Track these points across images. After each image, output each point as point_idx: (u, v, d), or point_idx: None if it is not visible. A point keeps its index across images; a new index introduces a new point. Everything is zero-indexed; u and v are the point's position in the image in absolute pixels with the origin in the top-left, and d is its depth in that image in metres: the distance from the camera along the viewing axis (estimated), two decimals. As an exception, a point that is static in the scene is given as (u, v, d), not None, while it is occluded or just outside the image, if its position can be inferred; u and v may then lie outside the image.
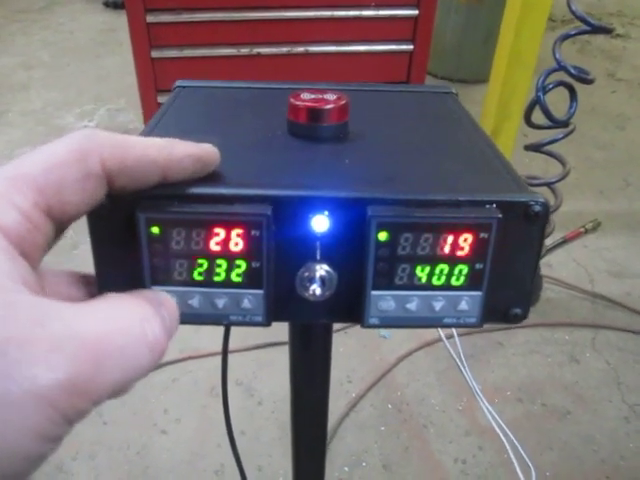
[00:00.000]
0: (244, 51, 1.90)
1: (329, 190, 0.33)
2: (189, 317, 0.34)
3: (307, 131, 0.41)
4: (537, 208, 0.33)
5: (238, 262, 0.33)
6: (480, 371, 1.77)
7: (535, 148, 1.65)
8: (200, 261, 0.33)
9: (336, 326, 1.73)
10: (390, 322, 0.35)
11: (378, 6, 1.86)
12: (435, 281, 0.34)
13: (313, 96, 0.41)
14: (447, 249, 0.33)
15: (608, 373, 1.79)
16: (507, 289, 0.36)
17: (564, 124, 1.59)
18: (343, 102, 0.40)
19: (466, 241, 0.32)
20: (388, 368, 1.75)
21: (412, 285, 0.34)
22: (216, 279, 0.33)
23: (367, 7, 1.86)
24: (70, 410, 0.23)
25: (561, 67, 1.49)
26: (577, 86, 1.61)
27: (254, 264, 0.33)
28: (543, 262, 2.10)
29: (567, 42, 1.60)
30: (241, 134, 0.43)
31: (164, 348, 0.28)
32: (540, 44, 1.85)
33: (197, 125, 0.45)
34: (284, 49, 1.91)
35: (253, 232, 0.32)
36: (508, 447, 1.55)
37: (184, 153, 0.31)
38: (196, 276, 0.33)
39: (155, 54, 1.90)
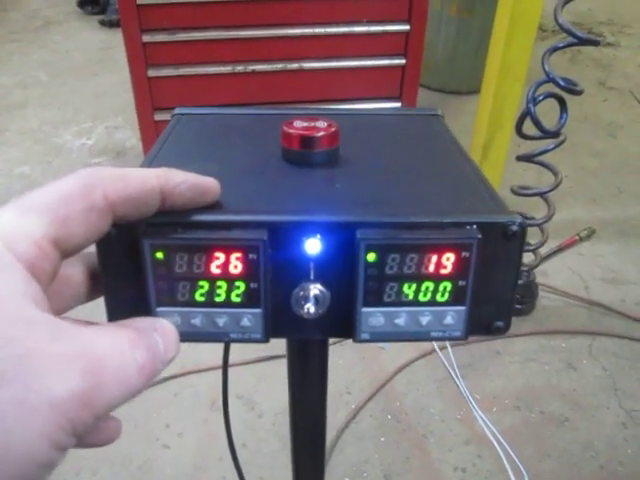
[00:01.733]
0: (239, 69, 1.93)
1: (321, 215, 0.35)
2: (192, 335, 0.37)
3: (300, 157, 0.43)
4: (514, 228, 0.36)
5: (237, 283, 0.35)
6: (478, 380, 1.79)
7: (527, 158, 1.68)
8: (202, 283, 0.35)
9: (333, 339, 1.74)
10: (380, 337, 0.37)
11: (370, 22, 1.89)
12: (421, 297, 0.36)
13: (305, 124, 0.43)
14: (432, 268, 0.35)
15: (605, 380, 1.80)
16: (489, 304, 0.38)
17: (555, 134, 1.62)
18: (334, 129, 0.43)
19: (449, 260, 0.35)
20: (387, 378, 1.77)
21: (400, 302, 0.36)
22: (217, 300, 0.36)
23: (359, 23, 1.89)
24: (78, 421, 0.25)
25: (550, 79, 1.52)
26: (568, 95, 1.64)
27: (252, 285, 0.35)
28: (538, 270, 2.12)
29: (558, 52, 1.63)
30: (238, 161, 0.45)
31: (152, 371, 0.30)
32: (530, 55, 1.89)
33: (196, 153, 0.48)
34: (278, 66, 1.94)
35: (251, 256, 0.34)
36: (502, 455, 1.57)
37: (181, 179, 0.34)
38: (198, 297, 0.36)
39: (151, 73, 1.93)
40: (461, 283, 0.36)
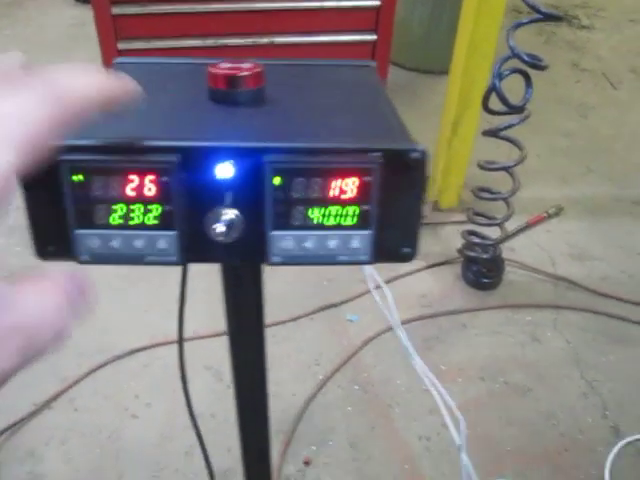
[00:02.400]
0: (209, 42, 1.93)
1: (230, 141, 0.37)
2: (110, 257, 0.38)
3: (224, 96, 0.45)
4: (415, 155, 0.38)
5: (152, 206, 0.37)
6: (444, 352, 1.82)
7: (493, 133, 1.70)
8: (118, 206, 0.36)
9: (300, 312, 1.76)
10: (291, 260, 0.39)
11: (340, -3, 1.90)
12: (328, 221, 0.38)
13: (230, 65, 0.44)
14: (336, 192, 0.37)
15: (568, 352, 1.85)
16: (396, 230, 0.40)
17: (520, 109, 1.64)
18: (258, 70, 0.44)
19: (353, 185, 0.37)
20: (355, 351, 1.79)
21: (307, 225, 0.38)
22: (133, 222, 0.37)
23: (329, -2, 1.90)
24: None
25: (514, 54, 1.54)
26: (542, 76, 1.66)
27: (166, 207, 0.37)
28: (506, 246, 2.15)
29: (533, 34, 1.65)
30: (166, 101, 0.47)
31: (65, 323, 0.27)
32: (498, 33, 1.90)
33: None
34: (249, 40, 1.94)
35: (164, 178, 0.36)
36: (466, 424, 1.60)
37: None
38: (115, 220, 0.37)
39: (122, 46, 1.92)
40: (365, 207, 0.38)
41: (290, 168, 0.36)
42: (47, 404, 1.62)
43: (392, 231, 0.40)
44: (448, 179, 2.26)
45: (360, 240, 0.39)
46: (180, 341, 0.67)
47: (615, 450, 1.56)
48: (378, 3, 1.92)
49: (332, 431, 1.59)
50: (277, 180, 0.37)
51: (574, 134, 2.98)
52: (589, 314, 1.97)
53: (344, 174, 0.37)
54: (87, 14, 4.10)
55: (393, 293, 1.96)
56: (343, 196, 0.37)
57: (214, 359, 1.73)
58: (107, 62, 1.93)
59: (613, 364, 1.81)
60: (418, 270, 2.08)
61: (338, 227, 0.38)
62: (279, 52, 1.99)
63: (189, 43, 1.92)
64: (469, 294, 2.01)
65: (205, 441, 0.85)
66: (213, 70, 0.44)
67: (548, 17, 1.51)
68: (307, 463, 1.51)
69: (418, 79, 3.42)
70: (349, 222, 0.38)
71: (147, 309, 1.89)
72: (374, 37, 1.97)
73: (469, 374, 1.76)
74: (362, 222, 0.38)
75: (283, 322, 1.85)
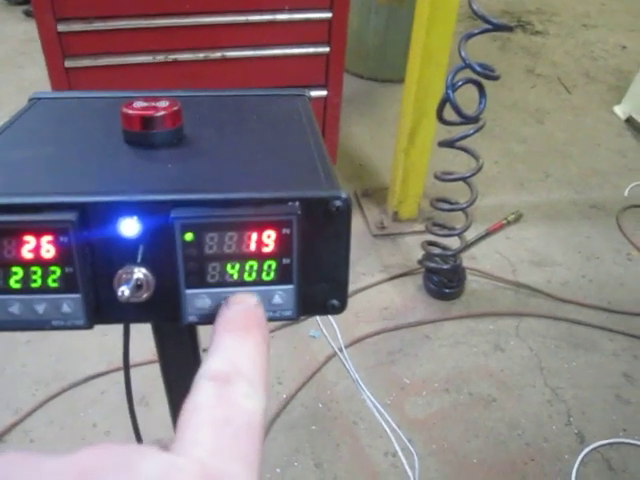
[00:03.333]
0: (160, 58, 1.88)
1: (134, 194, 0.34)
2: (11, 324, 0.35)
3: (139, 138, 0.42)
4: (337, 203, 0.35)
5: (52, 268, 0.34)
6: (408, 365, 1.80)
7: (448, 144, 1.69)
8: (15, 269, 0.33)
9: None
10: (209, 319, 0.36)
11: (292, 9, 1.87)
12: (247, 277, 0.35)
13: (145, 104, 0.42)
14: (253, 246, 0.34)
15: (531, 359, 1.85)
16: (321, 282, 0.38)
17: (474, 120, 1.64)
18: (175, 108, 0.42)
19: (270, 237, 0.34)
20: (318, 367, 1.77)
21: (225, 282, 0.35)
22: (33, 285, 0.34)
23: (281, 11, 1.87)
24: None
25: (467, 65, 1.54)
26: (498, 82, 1.65)
27: (67, 269, 0.34)
28: (467, 255, 2.15)
29: (488, 40, 1.66)
30: (78, 144, 0.44)
31: None
32: (451, 41, 1.90)
33: (37, 137, 0.46)
34: (200, 55, 1.90)
35: (62, 238, 0.33)
36: (431, 438, 1.59)
37: None
38: (13, 284, 0.34)
39: (69, 64, 1.87)
40: (285, 261, 0.35)
41: (200, 223, 0.34)
42: (0, 437, 1.56)
43: (318, 284, 0.38)
44: (407, 189, 2.25)
45: (282, 295, 0.36)
46: (128, 390, 0.63)
47: (580, 457, 1.56)
48: (330, 15, 1.90)
49: (297, 452, 1.56)
50: (187, 236, 0.34)
51: (531, 139, 3.00)
52: (551, 320, 1.98)
53: (260, 227, 0.34)
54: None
55: (355, 307, 1.95)
56: (261, 250, 0.34)
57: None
58: (54, 80, 1.88)
59: (576, 370, 1.81)
60: (379, 282, 2.07)
61: (258, 283, 0.36)
62: (232, 66, 1.95)
63: (139, 59, 1.88)
64: (431, 305, 2.01)
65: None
66: (126, 110, 0.41)
67: (498, 28, 1.51)
68: (271, 486, 1.47)
69: (376, 88, 3.42)
70: (269, 277, 0.35)
71: (105, 333, 1.83)
72: (327, 49, 1.95)
73: (433, 386, 1.75)
74: (283, 276, 0.36)
75: (244, 341, 1.81)
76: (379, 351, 1.84)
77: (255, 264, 0.35)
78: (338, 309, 0.39)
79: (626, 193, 2.61)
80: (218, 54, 1.92)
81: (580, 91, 3.52)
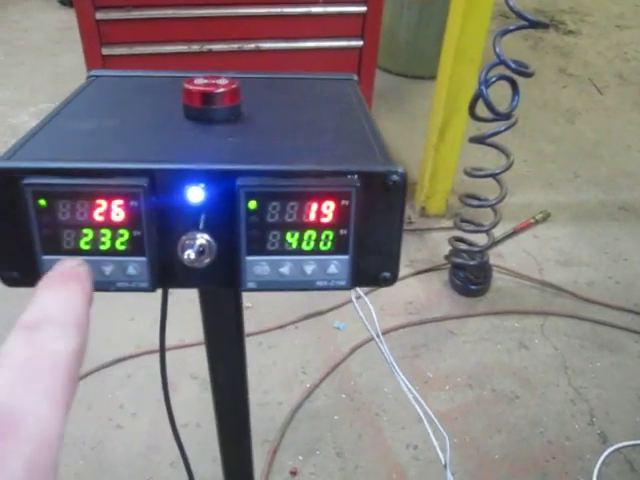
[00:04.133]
0: (195, 48, 1.91)
1: (201, 163, 0.36)
2: None
3: (199, 113, 0.43)
4: (395, 178, 0.36)
5: (121, 231, 0.35)
6: (432, 359, 1.81)
7: (479, 140, 1.70)
8: (86, 231, 0.35)
9: (285, 320, 1.74)
10: (267, 286, 0.38)
11: (326, 3, 1.89)
12: (305, 246, 0.37)
13: (206, 81, 0.43)
14: (313, 216, 0.36)
15: (556, 358, 1.84)
16: (374, 254, 0.39)
17: (507, 116, 1.63)
18: (234, 86, 0.43)
19: (329, 208, 0.35)
20: (342, 358, 1.78)
21: (284, 250, 0.37)
22: (102, 247, 0.36)
23: (316, 4, 1.89)
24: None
25: (501, 61, 1.54)
26: (529, 81, 1.65)
27: (135, 233, 0.35)
28: (494, 252, 2.15)
29: (520, 39, 1.65)
30: (140, 117, 0.45)
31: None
32: (485, 38, 1.90)
33: (101, 110, 0.48)
34: (235, 45, 1.93)
35: (132, 203, 0.34)
36: (453, 432, 1.59)
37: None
38: (83, 245, 0.36)
39: (106, 51, 1.90)
40: (343, 232, 0.36)
41: (264, 192, 0.35)
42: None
43: (371, 256, 0.39)
44: (435, 185, 2.25)
45: (337, 265, 0.38)
46: (162, 361, 0.65)
47: (602, 458, 1.56)
48: (365, 9, 1.91)
49: (319, 440, 1.58)
50: (251, 204, 0.35)
51: (561, 139, 2.98)
52: (576, 320, 1.97)
53: (320, 197, 0.35)
54: (72, 17, 4.07)
55: (380, 301, 1.95)
56: (320, 220, 0.36)
57: (200, 368, 1.71)
58: (91, 67, 1.91)
59: (600, 370, 1.81)
60: (405, 277, 2.07)
61: (315, 252, 0.37)
62: (265, 58, 1.97)
63: (174, 49, 1.91)
64: (456, 301, 2.01)
65: (191, 451, 0.83)
66: (188, 86, 0.43)
67: (534, 24, 1.50)
68: (294, 473, 1.49)
69: (406, 84, 3.42)
70: (326, 247, 0.37)
71: (133, 317, 1.87)
72: (360, 43, 1.97)
73: (456, 381, 1.75)
74: (339, 247, 0.37)
75: (269, 330, 1.84)
76: (403, 345, 1.85)
77: (314, 234, 0.36)
78: (390, 281, 0.40)
79: (656, 196, 2.59)
80: (252, 45, 1.95)
81: (612, 92, 3.49)
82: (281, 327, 1.86)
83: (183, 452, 0.80)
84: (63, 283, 0.31)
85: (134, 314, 1.87)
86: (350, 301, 1.93)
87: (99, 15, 1.84)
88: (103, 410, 1.62)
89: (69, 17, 4.12)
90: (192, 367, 1.71)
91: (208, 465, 1.45)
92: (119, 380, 1.70)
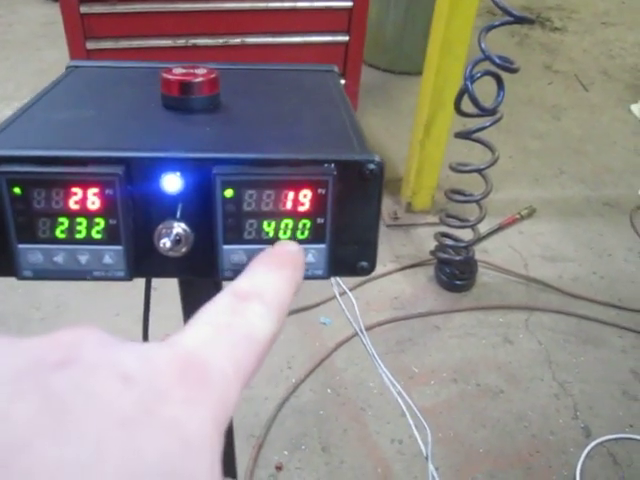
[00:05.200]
0: (180, 42, 1.90)
1: (177, 152, 0.35)
2: (55, 273, 0.37)
3: (177, 103, 0.43)
4: (371, 167, 0.36)
5: (97, 220, 0.35)
6: (417, 354, 1.81)
7: (465, 135, 1.70)
8: (61, 219, 0.35)
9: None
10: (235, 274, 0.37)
11: (312, -3, 1.89)
12: (281, 235, 0.37)
13: (184, 71, 0.43)
14: (289, 205, 0.36)
15: (540, 353, 1.85)
16: (352, 243, 0.39)
17: (492, 112, 1.64)
18: (212, 76, 0.43)
19: (306, 197, 0.35)
20: (327, 354, 1.78)
21: (260, 239, 0.37)
22: (77, 236, 0.36)
23: (301, -2, 1.89)
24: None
25: (486, 57, 1.54)
26: (515, 78, 1.66)
27: (111, 221, 0.35)
28: (479, 248, 2.16)
29: (506, 35, 1.66)
30: (118, 107, 0.45)
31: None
32: (470, 34, 1.91)
33: (76, 101, 0.47)
34: (220, 40, 1.92)
35: (107, 191, 0.34)
36: (438, 426, 1.60)
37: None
38: (58, 234, 0.35)
39: (90, 45, 1.89)
40: (319, 220, 0.36)
41: (241, 180, 0.35)
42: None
43: (348, 245, 0.39)
44: (421, 181, 2.26)
45: (314, 254, 0.38)
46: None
47: (586, 451, 1.57)
48: (351, 4, 1.91)
49: (304, 435, 1.58)
50: (228, 193, 0.35)
51: (546, 135, 3.00)
52: (561, 315, 1.98)
53: (297, 186, 0.35)
54: (57, 12, 4.04)
55: (366, 296, 1.96)
56: (296, 209, 0.36)
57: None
58: (75, 61, 1.90)
59: (584, 365, 1.82)
60: (390, 272, 2.08)
61: (294, 241, 0.37)
62: (250, 52, 1.97)
63: (159, 43, 1.90)
64: (442, 296, 2.02)
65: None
66: (166, 76, 0.43)
67: (520, 20, 1.51)
68: (279, 468, 1.49)
69: (392, 80, 3.43)
70: (303, 236, 0.37)
71: (118, 312, 1.86)
72: (347, 38, 1.97)
73: (442, 376, 1.76)
74: (316, 236, 0.37)
75: (255, 325, 1.83)
76: (389, 340, 1.85)
77: (290, 222, 0.36)
78: (367, 270, 0.40)
79: (640, 192, 2.61)
80: (237, 40, 1.94)
81: (597, 89, 3.51)
82: (267, 322, 1.85)
83: None
84: (280, 266, 0.33)
85: (119, 309, 1.86)
86: (335, 297, 1.93)
87: (83, 9, 1.82)
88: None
89: (54, 11, 4.08)
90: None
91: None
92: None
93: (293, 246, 0.35)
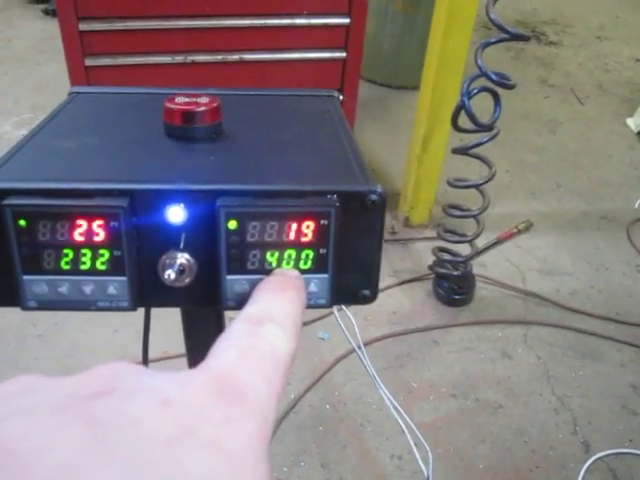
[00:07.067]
0: (179, 59, 1.91)
1: (182, 183, 0.36)
2: (59, 304, 0.37)
3: (180, 132, 0.44)
4: (374, 197, 0.37)
5: (101, 251, 0.35)
6: (416, 369, 1.81)
7: (462, 151, 1.71)
8: (66, 251, 0.35)
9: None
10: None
11: (310, 14, 1.90)
12: (284, 265, 0.37)
13: (187, 99, 0.43)
14: (292, 235, 0.36)
15: (539, 367, 1.85)
16: (354, 272, 0.40)
17: (489, 128, 1.65)
18: (215, 105, 0.43)
19: (309, 228, 0.36)
20: (326, 369, 1.78)
21: (264, 269, 0.37)
22: (82, 267, 0.36)
23: (299, 15, 1.90)
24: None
25: (483, 73, 1.55)
26: (512, 92, 1.67)
27: (116, 253, 0.35)
28: (477, 262, 2.16)
29: (502, 50, 1.67)
30: (120, 136, 0.46)
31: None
32: (467, 49, 1.92)
33: (79, 129, 0.48)
34: (219, 57, 1.93)
35: (112, 223, 0.34)
36: (437, 442, 1.60)
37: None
38: (63, 265, 0.36)
39: (89, 62, 1.90)
40: (322, 251, 0.37)
41: (245, 212, 0.35)
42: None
43: (351, 274, 0.40)
44: (419, 195, 2.26)
45: (317, 284, 0.38)
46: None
47: (586, 466, 1.57)
48: (348, 21, 1.92)
49: (303, 451, 1.57)
50: (231, 224, 0.36)
51: (543, 150, 3.01)
52: (559, 329, 1.99)
53: (300, 217, 0.36)
54: (55, 27, 4.05)
55: (364, 311, 1.96)
56: (300, 239, 0.36)
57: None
58: (74, 78, 1.91)
59: (583, 379, 1.82)
60: (389, 287, 2.08)
61: (302, 271, 0.38)
62: (249, 69, 1.98)
63: (158, 60, 1.91)
64: (440, 311, 2.02)
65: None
66: (169, 105, 0.43)
67: (515, 37, 1.52)
68: (278, 485, 1.49)
69: (389, 94, 3.44)
70: (306, 266, 0.37)
71: (116, 329, 1.85)
72: (344, 54, 1.98)
73: (441, 391, 1.76)
74: (319, 266, 0.37)
75: (254, 341, 1.83)
76: (387, 355, 1.85)
77: (293, 253, 0.37)
78: (369, 299, 0.41)
79: (637, 205, 2.62)
80: (236, 56, 1.95)
81: (593, 103, 3.53)
82: (265, 338, 1.85)
83: None
84: (283, 290, 0.34)
85: (117, 326, 1.86)
86: (333, 312, 1.93)
87: (82, 26, 1.83)
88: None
89: (52, 27, 4.10)
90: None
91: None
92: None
93: (292, 272, 0.37)
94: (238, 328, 0.30)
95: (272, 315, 0.31)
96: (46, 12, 4.31)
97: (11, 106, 3.14)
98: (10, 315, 1.88)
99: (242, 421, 0.23)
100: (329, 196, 0.36)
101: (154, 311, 0.67)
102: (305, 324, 1.90)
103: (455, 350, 1.89)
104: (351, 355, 1.82)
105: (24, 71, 3.53)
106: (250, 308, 0.32)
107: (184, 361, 1.78)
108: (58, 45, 3.40)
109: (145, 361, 0.68)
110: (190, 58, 1.92)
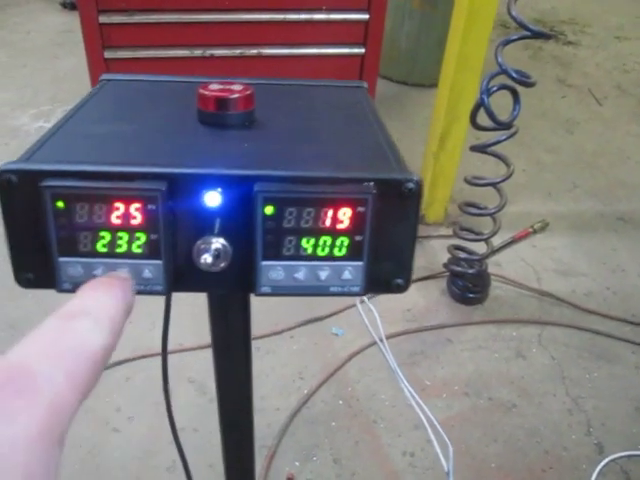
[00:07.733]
0: (197, 52, 1.92)
1: (219, 168, 0.36)
2: None
3: (214, 119, 0.44)
4: (410, 185, 0.37)
5: (138, 234, 0.36)
6: (429, 367, 1.81)
7: (480, 149, 1.70)
8: (103, 233, 0.35)
9: (283, 325, 1.74)
10: (281, 291, 0.38)
11: (329, 10, 1.90)
12: (320, 252, 0.37)
13: (221, 87, 0.44)
14: (329, 222, 0.36)
15: (553, 368, 1.84)
16: (388, 261, 0.40)
17: (508, 126, 1.64)
18: (248, 92, 0.44)
19: (345, 215, 0.36)
20: (339, 365, 1.78)
21: (299, 255, 0.37)
22: (118, 250, 0.36)
23: (318, 11, 1.90)
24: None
25: (503, 70, 1.54)
26: (529, 91, 1.66)
27: (152, 236, 0.36)
28: (492, 261, 2.15)
29: (520, 49, 1.66)
30: (155, 122, 0.46)
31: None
32: (486, 47, 1.91)
33: (113, 115, 0.48)
34: (237, 51, 1.93)
35: (150, 206, 0.35)
36: (449, 440, 1.59)
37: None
38: (100, 248, 0.36)
39: (108, 55, 1.91)
40: (358, 238, 0.37)
41: (282, 198, 0.35)
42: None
43: (385, 262, 0.40)
44: (435, 193, 2.26)
45: (352, 271, 0.38)
46: (164, 365, 0.65)
47: (599, 468, 1.56)
48: (367, 16, 1.92)
49: (316, 446, 1.58)
50: (268, 210, 0.36)
51: (560, 149, 3.00)
52: (574, 330, 1.97)
53: (337, 204, 0.36)
54: (75, 21, 4.07)
55: (378, 307, 1.96)
56: (335, 226, 0.36)
57: (198, 372, 1.71)
58: (93, 70, 1.92)
59: (597, 381, 1.81)
60: (404, 284, 2.07)
61: (330, 258, 0.37)
62: (267, 64, 1.98)
63: (176, 53, 1.91)
64: (454, 309, 2.01)
65: (187, 457, 0.83)
66: (203, 91, 0.43)
67: (537, 35, 1.51)
68: (290, 479, 1.49)
69: (406, 92, 3.43)
70: (341, 253, 0.37)
71: (130, 320, 1.85)
72: (363, 50, 1.98)
73: (454, 389, 1.75)
74: (354, 253, 0.37)
75: (267, 335, 1.84)
76: (401, 352, 1.85)
77: (329, 239, 0.37)
78: (402, 288, 0.41)
79: (654, 207, 2.60)
80: (254, 51, 1.95)
81: (611, 103, 3.50)
82: (278, 333, 1.86)
83: (183, 456, 0.80)
84: (107, 288, 0.34)
85: (132, 317, 1.85)
86: (348, 307, 1.93)
87: (102, 19, 1.84)
88: (100, 413, 1.61)
89: (71, 20, 4.13)
90: (190, 371, 1.71)
91: (205, 471, 1.45)
92: (116, 383, 1.69)
93: (119, 273, 0.37)
94: (48, 322, 0.29)
95: (88, 310, 0.31)
96: (64, 5, 4.33)
97: (30, 98, 3.16)
98: (24, 304, 1.89)
99: (22, 413, 0.23)
100: (366, 183, 0.36)
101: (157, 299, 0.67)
102: (319, 320, 1.90)
103: (469, 348, 1.88)
104: (365, 351, 1.82)
105: (43, 64, 3.56)
106: (65, 305, 0.31)
107: (199, 354, 1.78)
108: (76, 38, 3.42)
109: (164, 349, 0.68)
110: (209, 52, 1.92)
